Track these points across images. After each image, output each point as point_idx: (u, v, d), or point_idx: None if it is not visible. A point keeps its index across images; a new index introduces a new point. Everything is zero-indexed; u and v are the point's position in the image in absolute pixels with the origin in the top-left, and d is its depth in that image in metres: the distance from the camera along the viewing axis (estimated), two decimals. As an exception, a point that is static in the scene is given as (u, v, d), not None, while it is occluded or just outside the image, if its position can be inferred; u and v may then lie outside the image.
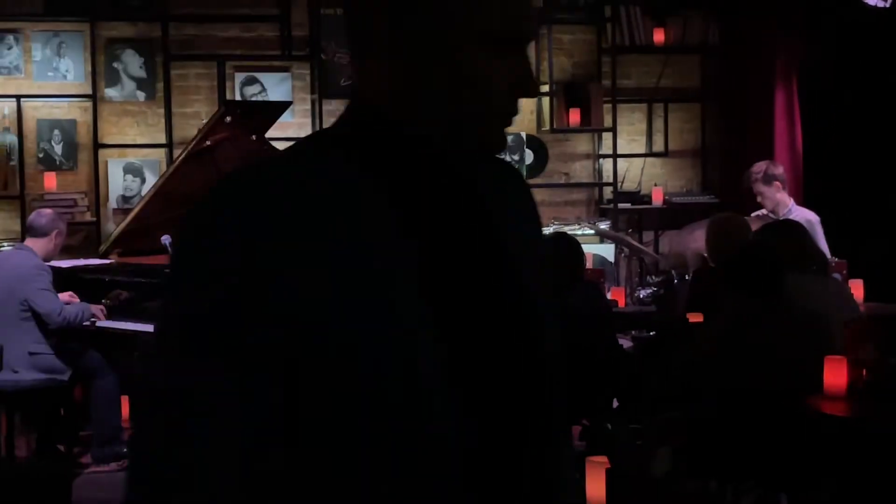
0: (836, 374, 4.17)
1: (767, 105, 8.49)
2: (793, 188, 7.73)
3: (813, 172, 8.32)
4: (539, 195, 8.68)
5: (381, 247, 1.32)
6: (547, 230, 7.98)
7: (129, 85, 8.04)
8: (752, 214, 6.87)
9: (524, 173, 8.66)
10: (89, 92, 7.91)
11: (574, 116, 8.51)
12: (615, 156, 8.68)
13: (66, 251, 7.34)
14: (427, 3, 1.35)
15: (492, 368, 1.38)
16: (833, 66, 8.28)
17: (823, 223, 6.83)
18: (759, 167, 6.94)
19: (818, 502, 4.25)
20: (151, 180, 7.78)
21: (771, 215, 6.78)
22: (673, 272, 6.80)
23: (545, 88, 8.59)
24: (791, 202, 6.92)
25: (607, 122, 8.62)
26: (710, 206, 8.31)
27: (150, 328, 6.09)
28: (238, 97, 8.07)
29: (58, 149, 7.90)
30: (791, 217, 6.38)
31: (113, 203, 7.97)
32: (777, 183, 6.86)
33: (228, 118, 6.67)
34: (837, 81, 8.27)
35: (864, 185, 8.01)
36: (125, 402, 6.65)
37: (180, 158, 6.68)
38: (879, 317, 5.84)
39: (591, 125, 8.58)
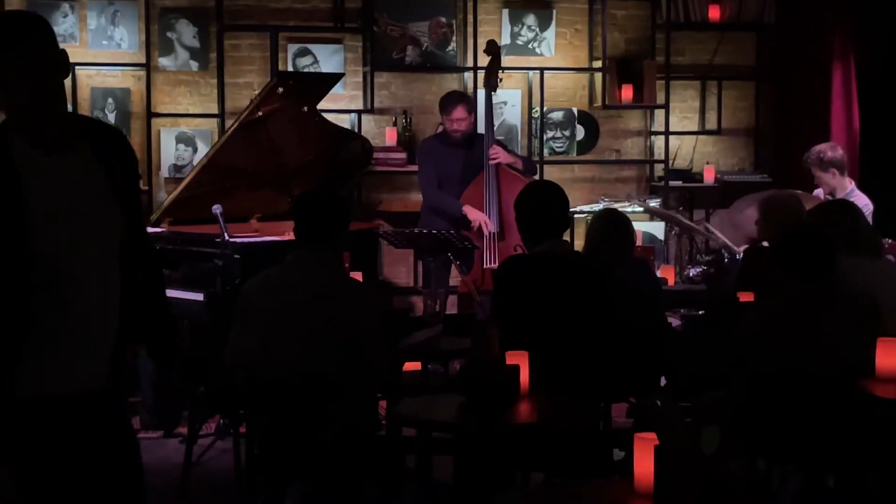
0: (888, 357, 4.13)
1: (824, 84, 8.40)
2: (849, 169, 7.63)
3: (869, 153, 8.22)
4: (589, 171, 8.66)
5: None
6: (597, 207, 7.96)
7: (183, 54, 8.07)
8: (813, 194, 6.79)
9: (574, 149, 8.63)
10: (143, 61, 7.95)
11: (626, 93, 8.46)
12: (667, 133, 8.62)
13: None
14: None
15: None
16: (892, 45, 8.17)
17: (878, 204, 6.74)
18: (816, 151, 6.82)
19: (866, 485, 4.21)
20: (203, 150, 7.82)
21: (829, 197, 6.69)
22: (723, 251, 6.75)
23: (598, 64, 8.55)
24: (851, 186, 6.79)
25: (660, 98, 8.56)
26: (763, 185, 8.24)
27: (198, 296, 6.13)
28: (290, 68, 8.09)
29: (111, 117, 7.95)
30: None
31: (165, 172, 8.02)
32: (833, 169, 6.74)
33: (280, 89, 6.68)
34: (895, 61, 8.15)
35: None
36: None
37: (232, 129, 6.70)
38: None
39: (643, 102, 8.53)
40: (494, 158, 7.04)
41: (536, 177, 7.81)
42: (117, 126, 2.91)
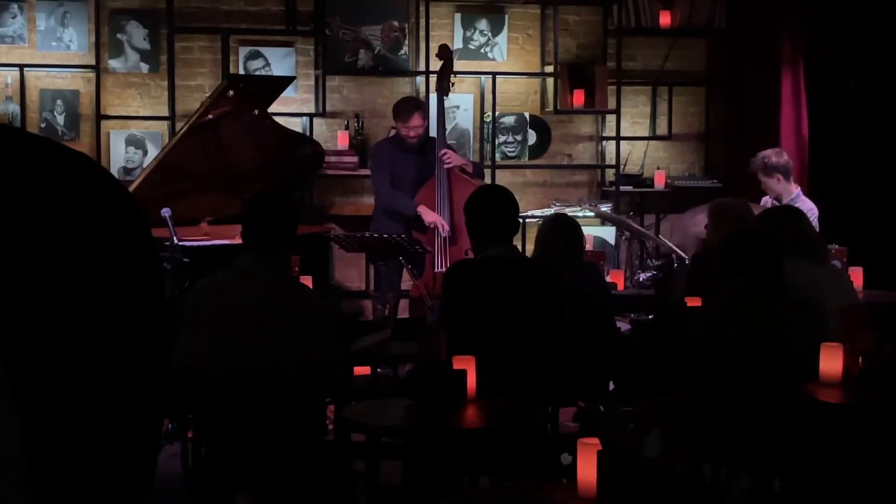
0: (832, 361, 4.16)
1: (773, 90, 8.47)
2: (798, 174, 7.69)
3: (818, 158, 8.30)
4: (541, 176, 8.68)
5: None
6: (548, 211, 7.98)
7: (133, 56, 8.02)
8: (761, 203, 6.84)
9: (526, 154, 8.65)
10: (93, 63, 7.90)
11: (578, 98, 8.50)
12: (618, 138, 8.66)
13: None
14: None
15: None
16: (840, 52, 8.25)
17: (826, 209, 6.80)
18: (761, 157, 6.87)
19: (811, 487, 4.25)
20: (153, 152, 7.78)
21: (776, 203, 6.75)
22: (673, 256, 6.80)
23: (550, 69, 8.58)
24: (796, 192, 6.85)
25: (611, 104, 8.60)
26: (713, 190, 8.30)
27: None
28: (242, 71, 8.06)
29: (60, 119, 7.89)
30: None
31: (114, 174, 7.94)
32: (778, 175, 6.79)
33: (231, 92, 6.66)
34: (844, 67, 8.24)
35: (869, 172, 7.99)
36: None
37: (182, 131, 6.67)
38: (877, 304, 5.84)
39: (595, 107, 8.56)
40: (448, 162, 7.05)
41: (487, 181, 7.83)
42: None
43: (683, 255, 6.71)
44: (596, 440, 2.82)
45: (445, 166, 7.04)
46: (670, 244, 6.91)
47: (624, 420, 2.83)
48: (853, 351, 4.20)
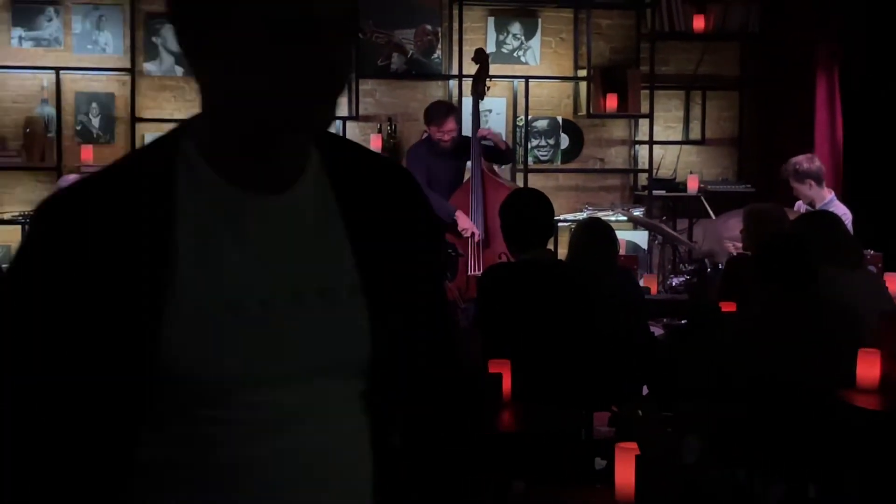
0: (869, 368, 4.15)
1: (807, 95, 8.43)
2: (832, 179, 7.65)
3: (852, 164, 8.25)
4: (574, 180, 8.67)
5: None
6: (581, 215, 7.97)
7: (168, 59, 8.06)
8: (794, 208, 6.81)
9: (559, 158, 8.65)
10: (128, 66, 7.94)
11: (611, 102, 8.49)
12: (651, 142, 8.64)
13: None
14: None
15: None
16: (875, 57, 8.20)
17: (861, 215, 6.76)
18: (792, 163, 6.84)
19: (847, 495, 4.23)
20: (187, 155, 7.80)
21: (810, 208, 6.72)
22: (706, 260, 6.77)
23: (583, 73, 8.57)
24: (829, 197, 6.81)
25: (644, 108, 8.58)
26: (746, 195, 8.26)
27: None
28: (275, 74, 8.07)
29: (95, 122, 7.94)
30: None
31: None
32: (810, 181, 6.76)
33: (265, 95, 6.67)
34: (879, 73, 8.19)
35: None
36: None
37: (216, 134, 6.69)
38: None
39: (627, 111, 8.55)
40: (487, 135, 7.17)
41: (519, 185, 7.82)
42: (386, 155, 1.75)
43: (730, 251, 6.69)
44: (634, 445, 2.82)
45: (483, 142, 7.12)
46: (714, 242, 6.88)
47: (662, 425, 2.83)
48: (890, 357, 4.18)
